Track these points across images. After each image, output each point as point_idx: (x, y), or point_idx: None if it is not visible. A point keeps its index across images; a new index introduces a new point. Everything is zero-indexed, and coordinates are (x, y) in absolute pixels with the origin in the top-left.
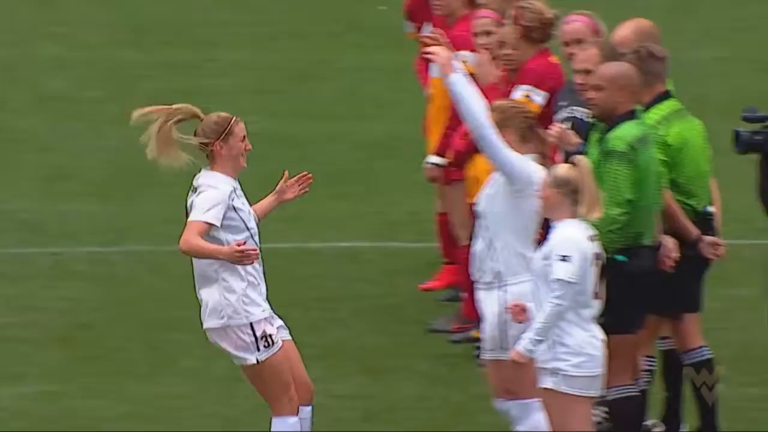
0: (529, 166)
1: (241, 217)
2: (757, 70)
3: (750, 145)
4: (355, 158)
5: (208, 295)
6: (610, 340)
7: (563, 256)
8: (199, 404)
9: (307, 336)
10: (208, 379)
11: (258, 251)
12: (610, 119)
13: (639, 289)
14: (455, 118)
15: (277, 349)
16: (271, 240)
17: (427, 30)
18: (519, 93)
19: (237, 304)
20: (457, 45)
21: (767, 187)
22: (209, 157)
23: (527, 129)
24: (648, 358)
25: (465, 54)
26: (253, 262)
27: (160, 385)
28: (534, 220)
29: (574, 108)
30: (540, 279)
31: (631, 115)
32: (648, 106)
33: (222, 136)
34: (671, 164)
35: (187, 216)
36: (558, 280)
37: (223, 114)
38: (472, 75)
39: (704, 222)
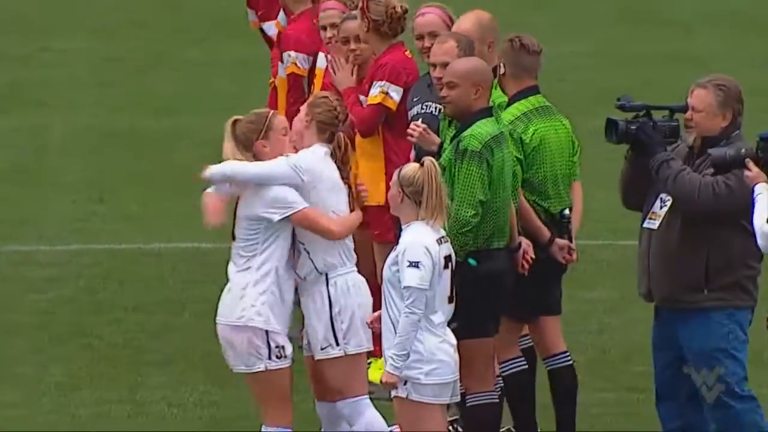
0: (288, 163)
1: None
2: (617, 65)
3: (626, 135)
4: (198, 155)
5: (235, 291)
6: (466, 346)
7: (412, 262)
8: (32, 414)
9: (150, 341)
10: (41, 388)
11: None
12: (464, 117)
13: (491, 292)
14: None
15: (288, 364)
16: (109, 241)
17: (282, 18)
18: (375, 90)
19: (263, 308)
20: (289, 44)
21: (632, 178)
22: (254, 159)
23: (328, 126)
24: (518, 359)
25: (293, 54)
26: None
27: None
28: (335, 205)
29: (427, 103)
30: (389, 286)
31: (486, 113)
32: (512, 100)
33: (262, 134)
34: (527, 163)
35: (235, 212)
36: (408, 287)
37: (257, 110)
38: (300, 76)
39: (559, 225)
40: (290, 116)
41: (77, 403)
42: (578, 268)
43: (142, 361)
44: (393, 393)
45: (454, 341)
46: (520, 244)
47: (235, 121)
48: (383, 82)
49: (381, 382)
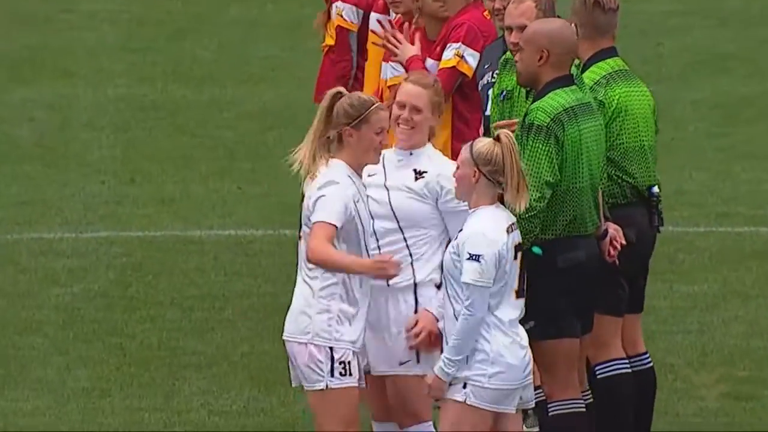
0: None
1: (358, 229)
2: (721, 24)
3: None
4: (243, 129)
5: (300, 303)
6: (546, 347)
7: (472, 254)
8: (56, 422)
9: (188, 341)
10: (66, 393)
11: (400, 266)
12: (536, 86)
13: (574, 285)
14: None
15: (354, 382)
16: (143, 227)
17: None
18: (449, 52)
19: (330, 322)
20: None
21: None
22: (337, 143)
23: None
24: (621, 361)
25: (339, 5)
26: (395, 276)
27: (9, 399)
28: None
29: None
30: (449, 275)
31: (563, 82)
32: (587, 64)
33: (354, 122)
34: (607, 132)
35: (302, 206)
36: (467, 284)
37: (364, 96)
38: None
39: (647, 204)
40: (333, 78)
41: (106, 411)
42: (676, 259)
43: (180, 363)
44: (449, 395)
45: (525, 342)
46: (606, 230)
47: (338, 94)
48: (459, 44)
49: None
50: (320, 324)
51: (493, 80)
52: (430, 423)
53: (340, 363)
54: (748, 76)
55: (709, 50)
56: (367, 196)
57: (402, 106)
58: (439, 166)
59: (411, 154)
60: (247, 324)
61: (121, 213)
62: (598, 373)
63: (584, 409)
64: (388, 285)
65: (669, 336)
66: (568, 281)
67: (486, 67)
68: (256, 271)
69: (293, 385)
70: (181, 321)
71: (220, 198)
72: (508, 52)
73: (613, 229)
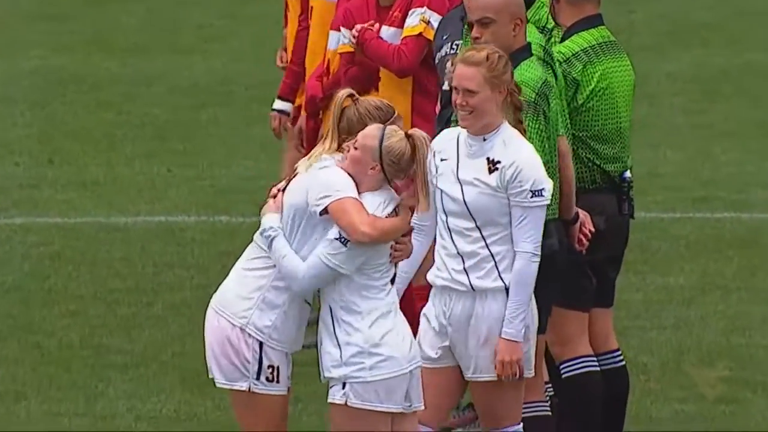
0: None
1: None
2: None
3: None
4: (173, 106)
5: (245, 289)
6: None
7: (341, 236)
8: None
9: (113, 339)
10: None
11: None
12: None
13: (548, 276)
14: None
15: (281, 391)
16: (62, 213)
17: None
18: (414, 18)
19: (273, 318)
20: None
21: None
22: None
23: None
24: (588, 358)
25: None
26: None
27: None
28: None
29: (458, 42)
30: None
31: (528, 52)
32: (569, 32)
33: None
34: (583, 111)
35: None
36: (321, 261)
37: (386, 101)
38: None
39: (617, 190)
40: (301, 40)
41: (22, 417)
42: (650, 248)
43: (104, 363)
44: (329, 399)
45: (404, 331)
46: (577, 215)
47: (353, 96)
48: (424, 9)
49: None
50: (264, 318)
51: (452, 52)
52: (520, 426)
53: (269, 367)
54: (727, 46)
55: (685, 19)
56: (440, 190)
57: (456, 90)
58: (515, 153)
59: (484, 139)
60: (178, 320)
61: (38, 197)
62: (563, 371)
63: (549, 412)
64: (473, 288)
65: (642, 332)
66: (549, 271)
67: (444, 38)
68: (188, 261)
69: (210, 376)
70: (105, 317)
71: (148, 181)
72: None
73: (583, 215)
